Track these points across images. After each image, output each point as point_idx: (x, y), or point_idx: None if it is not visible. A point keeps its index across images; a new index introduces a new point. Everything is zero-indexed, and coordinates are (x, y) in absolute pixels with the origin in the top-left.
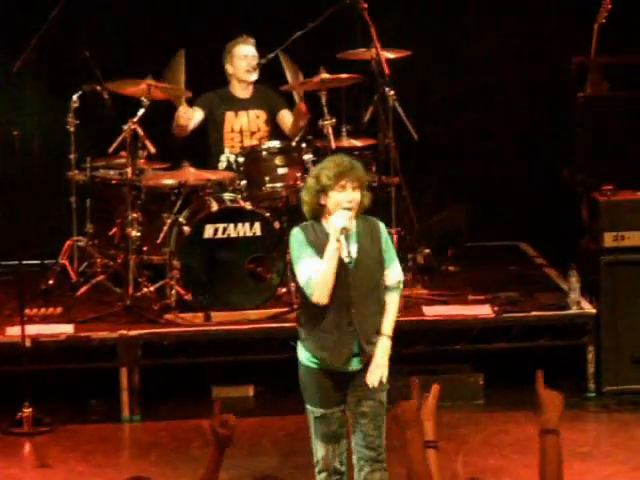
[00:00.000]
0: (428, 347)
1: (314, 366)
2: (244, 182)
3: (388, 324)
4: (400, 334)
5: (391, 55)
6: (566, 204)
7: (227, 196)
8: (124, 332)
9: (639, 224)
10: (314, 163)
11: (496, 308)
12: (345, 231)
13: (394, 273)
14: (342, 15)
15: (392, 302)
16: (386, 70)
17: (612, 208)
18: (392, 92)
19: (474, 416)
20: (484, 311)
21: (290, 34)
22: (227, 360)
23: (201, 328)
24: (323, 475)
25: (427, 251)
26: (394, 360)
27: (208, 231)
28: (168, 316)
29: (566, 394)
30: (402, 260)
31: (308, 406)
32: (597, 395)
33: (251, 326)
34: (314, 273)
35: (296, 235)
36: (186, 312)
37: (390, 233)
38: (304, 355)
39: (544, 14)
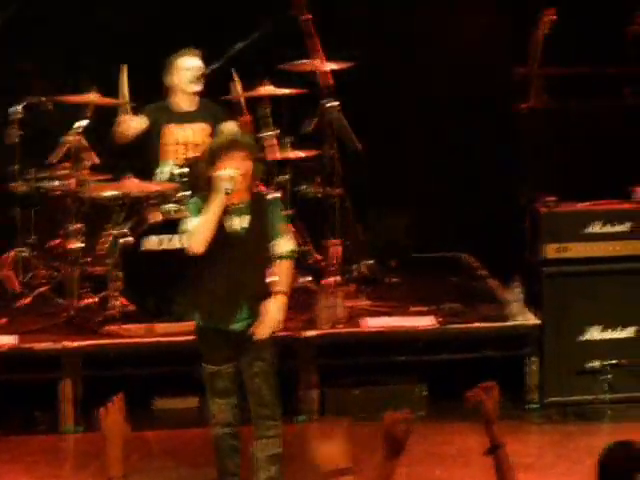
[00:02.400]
0: (371, 358)
1: (204, 324)
2: (189, 193)
3: (283, 282)
4: (343, 345)
5: (335, 66)
6: (510, 215)
7: (171, 207)
8: (68, 343)
9: (580, 235)
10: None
11: (439, 319)
12: (233, 182)
13: (284, 243)
14: (286, 26)
15: (284, 266)
16: (330, 81)
17: (554, 219)
18: (336, 103)
19: (418, 427)
20: (427, 322)
21: (234, 45)
22: (171, 371)
23: (144, 339)
24: (218, 428)
25: (370, 262)
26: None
27: (152, 242)
28: (111, 327)
29: (509, 406)
30: (346, 271)
31: (202, 363)
32: (540, 406)
33: (195, 337)
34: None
35: (195, 202)
36: (129, 323)
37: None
38: (196, 314)
39: (486, 25)
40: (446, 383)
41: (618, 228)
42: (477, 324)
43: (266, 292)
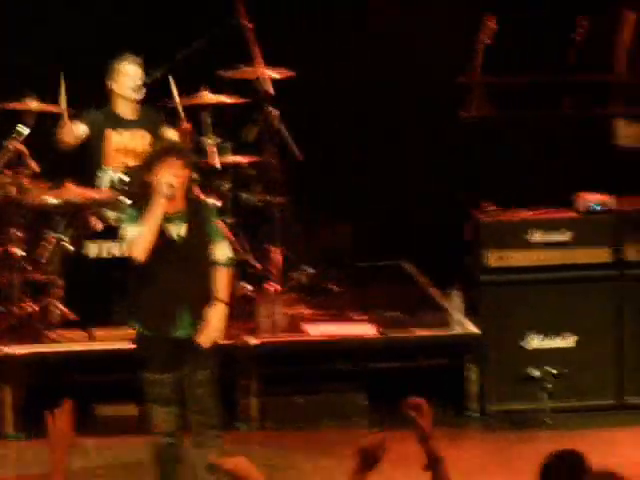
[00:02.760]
0: (312, 367)
1: (146, 332)
2: (129, 200)
3: (222, 290)
4: (284, 353)
5: (276, 75)
6: (451, 223)
7: (111, 214)
8: (8, 350)
9: (521, 244)
10: (199, 182)
11: (380, 327)
12: (172, 189)
13: (222, 250)
14: (227, 35)
15: (223, 274)
16: (270, 90)
17: (494, 228)
18: (276, 112)
19: (358, 435)
20: (368, 330)
21: (176, 54)
22: (111, 378)
23: (85, 346)
24: (160, 437)
25: (311, 270)
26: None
27: (92, 250)
28: (52, 334)
29: (450, 414)
30: (287, 279)
31: (144, 371)
32: (481, 415)
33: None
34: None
35: (131, 212)
36: (70, 330)
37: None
38: (137, 321)
39: (426, 34)
40: (387, 391)
41: (559, 237)
42: (417, 332)
43: (207, 300)
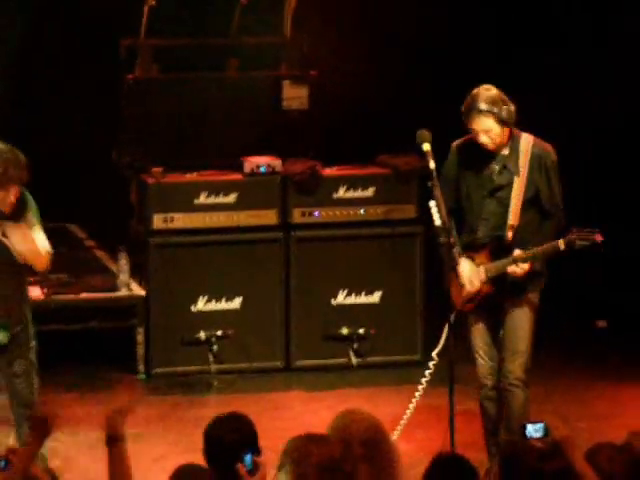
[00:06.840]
0: None
1: None
2: None
3: None
4: None
5: None
6: (115, 185)
7: None
8: None
9: (187, 206)
10: None
11: (46, 290)
12: None
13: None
14: None
15: None
16: None
17: (161, 190)
18: None
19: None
20: (34, 293)
21: None
22: None
23: None
24: None
25: None
26: None
27: None
28: None
29: (117, 376)
30: None
31: None
32: (147, 377)
33: None
34: None
35: None
36: None
37: None
38: None
39: None
40: (56, 354)
41: (224, 199)
42: (84, 295)
43: None
